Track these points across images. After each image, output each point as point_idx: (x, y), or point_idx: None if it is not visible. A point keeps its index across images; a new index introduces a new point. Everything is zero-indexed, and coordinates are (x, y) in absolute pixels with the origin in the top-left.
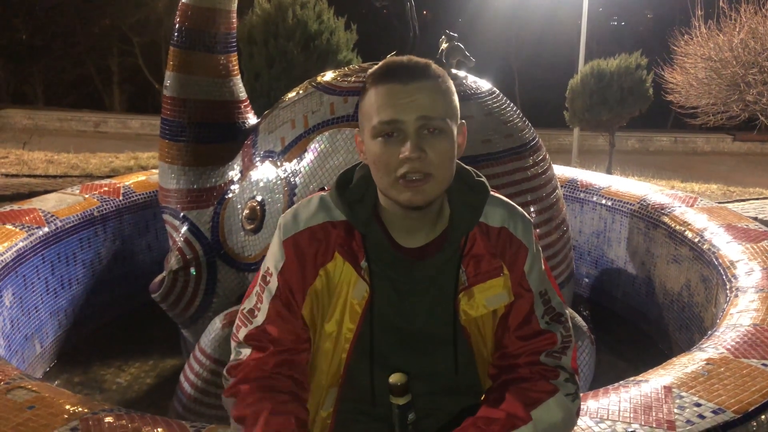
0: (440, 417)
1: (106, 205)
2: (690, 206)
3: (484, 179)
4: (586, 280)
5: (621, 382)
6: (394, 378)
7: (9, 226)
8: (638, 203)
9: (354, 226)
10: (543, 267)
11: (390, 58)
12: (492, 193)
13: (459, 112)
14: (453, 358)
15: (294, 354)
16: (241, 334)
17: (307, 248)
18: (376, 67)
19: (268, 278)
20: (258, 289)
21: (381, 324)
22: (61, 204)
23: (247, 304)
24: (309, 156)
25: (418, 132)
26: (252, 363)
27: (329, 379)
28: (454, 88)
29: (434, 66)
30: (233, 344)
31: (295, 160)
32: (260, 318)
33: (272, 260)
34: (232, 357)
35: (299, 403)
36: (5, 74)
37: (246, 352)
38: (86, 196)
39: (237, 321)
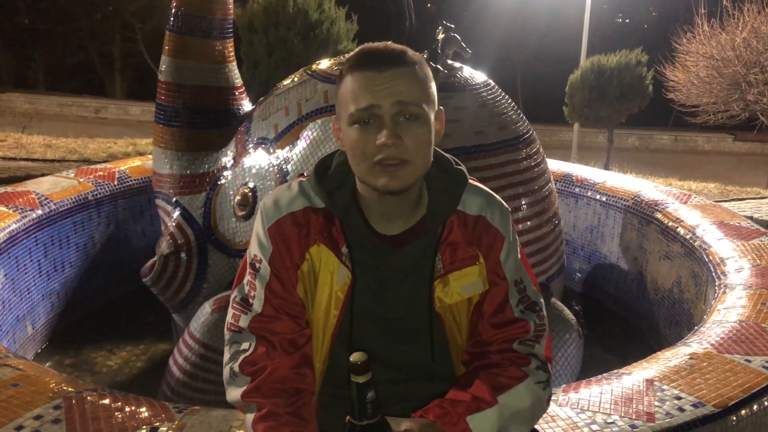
0: (416, 403)
1: (101, 189)
2: (683, 203)
3: (463, 167)
4: (579, 274)
5: (604, 374)
6: (355, 357)
7: (2, 208)
8: (632, 199)
9: (333, 213)
10: (519, 256)
11: (366, 45)
12: (470, 181)
13: (436, 98)
14: (429, 346)
15: (301, 344)
16: (243, 322)
17: (291, 232)
18: (351, 54)
19: (257, 265)
20: (249, 277)
21: (361, 311)
22: (56, 187)
23: (238, 293)
24: (301, 143)
25: (394, 118)
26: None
27: (319, 366)
28: (431, 75)
29: (410, 52)
30: (230, 334)
31: (287, 148)
32: (257, 305)
33: (258, 248)
34: (232, 348)
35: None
36: (6, 58)
37: (250, 343)
38: (81, 179)
39: (232, 310)
